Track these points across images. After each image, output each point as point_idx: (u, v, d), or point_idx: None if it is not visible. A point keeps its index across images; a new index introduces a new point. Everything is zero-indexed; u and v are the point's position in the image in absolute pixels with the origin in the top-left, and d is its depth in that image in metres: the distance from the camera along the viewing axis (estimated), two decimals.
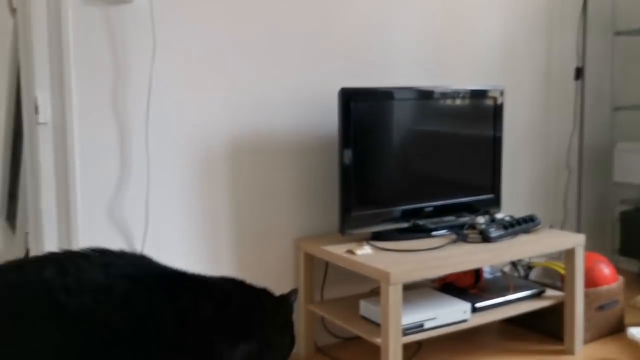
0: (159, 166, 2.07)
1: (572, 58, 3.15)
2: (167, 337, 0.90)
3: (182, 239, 2.12)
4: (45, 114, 1.88)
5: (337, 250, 2.12)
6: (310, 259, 2.31)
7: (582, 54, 3.07)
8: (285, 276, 2.34)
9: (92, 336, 0.87)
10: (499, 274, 2.55)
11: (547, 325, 2.46)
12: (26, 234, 2.24)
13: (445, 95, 2.35)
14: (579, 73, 3.11)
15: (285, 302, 1.11)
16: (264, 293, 1.08)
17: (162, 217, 2.08)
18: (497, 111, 2.49)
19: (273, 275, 2.31)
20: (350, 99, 2.13)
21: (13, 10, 3.03)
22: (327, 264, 2.39)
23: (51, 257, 0.94)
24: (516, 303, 2.28)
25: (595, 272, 2.45)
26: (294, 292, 1.28)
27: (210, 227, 2.18)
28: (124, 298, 0.91)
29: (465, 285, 2.34)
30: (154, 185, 2.06)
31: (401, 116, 2.27)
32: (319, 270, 2.39)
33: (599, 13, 3.23)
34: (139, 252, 0.97)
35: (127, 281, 0.94)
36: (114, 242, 2.00)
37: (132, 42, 1.99)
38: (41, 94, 1.88)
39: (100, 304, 0.90)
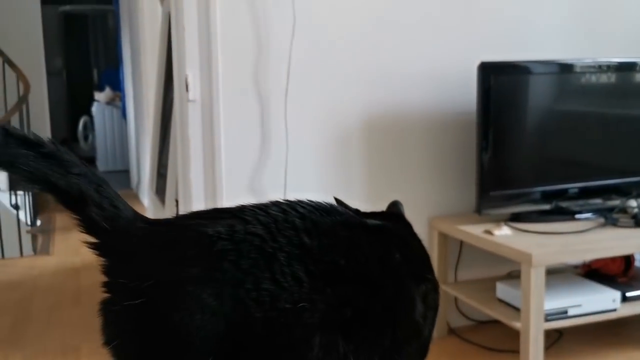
0: (297, 141, 2.12)
1: None
2: (375, 279, 1.02)
3: None
4: (195, 91, 1.99)
5: (474, 230, 2.06)
6: (444, 239, 2.26)
7: None
8: None
9: (333, 277, 0.97)
10: None
11: None
12: (176, 201, 2.41)
13: (593, 68, 2.19)
14: None
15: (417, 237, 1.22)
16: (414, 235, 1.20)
17: (299, 190, 2.14)
18: None
19: None
20: (490, 73, 2.05)
21: (162, 0, 3.25)
22: (461, 244, 2.34)
23: (271, 204, 1.03)
24: None
25: None
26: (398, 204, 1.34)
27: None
28: (345, 244, 1.01)
29: (613, 273, 2.18)
30: (292, 160, 2.12)
31: (544, 92, 2.14)
32: (453, 251, 2.34)
33: None
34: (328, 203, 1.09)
35: (344, 228, 1.03)
36: None
37: (273, 21, 2.05)
38: (191, 73, 1.99)
39: (333, 248, 0.99)
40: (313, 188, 2.15)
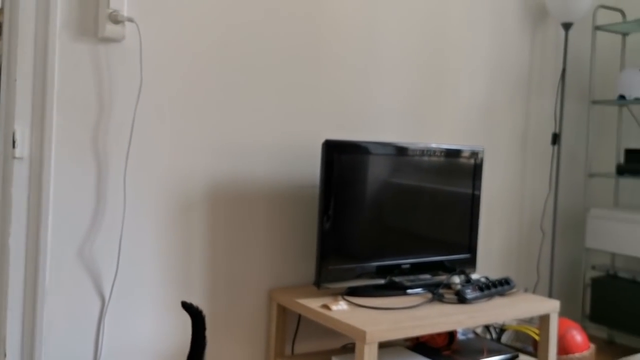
0: (135, 208, 2.02)
1: (549, 124, 3.23)
2: None
3: (152, 285, 2.06)
4: (23, 148, 1.83)
5: (312, 304, 2.08)
6: (283, 311, 2.25)
7: (560, 120, 3.14)
8: (256, 327, 2.28)
9: None
10: (471, 335, 2.53)
11: None
12: None
13: (426, 152, 2.37)
14: (556, 138, 3.18)
15: None
16: None
17: (133, 261, 2.02)
18: (476, 171, 2.51)
19: (244, 326, 2.25)
20: (333, 151, 2.13)
21: None
22: (299, 316, 2.34)
23: None
24: None
25: (568, 339, 2.45)
26: None
27: (182, 273, 2.12)
28: None
29: (438, 346, 2.31)
30: (128, 228, 2.01)
31: (382, 171, 2.27)
32: (292, 323, 2.33)
33: (576, 82, 3.34)
34: None
35: None
36: (82, 284, 1.92)
37: (118, 78, 1.97)
38: (20, 128, 1.83)
39: None
40: (149, 257, 2.05)
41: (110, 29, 1.91)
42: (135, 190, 2.01)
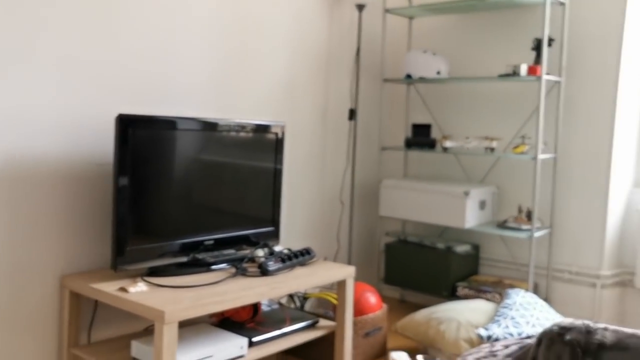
0: None
1: (347, 100, 3.40)
2: None
3: None
4: None
5: (108, 288, 1.97)
6: (76, 298, 2.11)
7: (355, 97, 3.32)
8: (46, 317, 2.10)
9: None
10: (276, 306, 2.60)
11: (321, 354, 2.56)
12: None
13: (227, 128, 2.36)
14: (352, 114, 3.37)
15: None
16: None
17: None
18: (278, 146, 2.56)
19: (33, 316, 2.06)
20: (128, 125, 2.02)
21: None
22: (96, 303, 2.21)
23: None
24: (292, 335, 2.34)
25: (363, 301, 2.63)
26: None
27: None
28: None
29: (243, 320, 2.33)
30: None
31: (182, 146, 2.21)
32: (88, 310, 2.19)
33: (370, 61, 3.55)
34: None
35: None
36: None
37: None
38: None
39: None
40: None
41: None
42: None
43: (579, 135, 3.05)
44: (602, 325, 1.24)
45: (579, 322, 1.26)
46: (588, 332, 1.21)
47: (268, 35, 2.88)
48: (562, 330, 1.23)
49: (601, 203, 2.99)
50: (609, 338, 1.19)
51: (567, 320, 1.28)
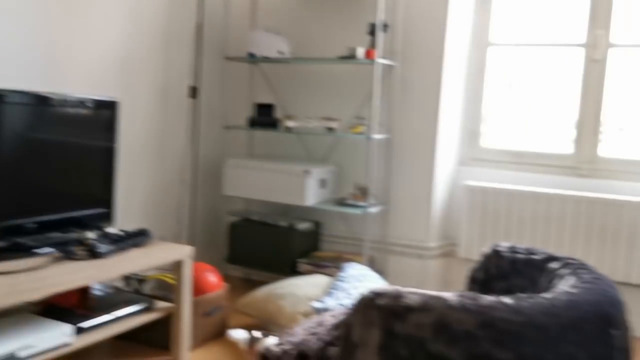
0: None
1: (188, 77, 3.31)
2: None
3: None
4: None
5: None
6: None
7: (197, 74, 3.25)
8: None
9: None
10: (111, 290, 2.49)
11: (157, 337, 2.50)
12: None
13: (55, 102, 2.19)
14: (194, 92, 3.29)
15: None
16: None
17: None
18: (111, 123, 2.44)
19: None
20: None
21: None
22: None
23: None
24: (126, 319, 2.25)
25: (202, 281, 2.60)
26: None
27: None
28: None
29: (71, 306, 2.21)
30: None
31: (2, 121, 2.02)
32: None
33: (214, 38, 3.48)
34: None
35: None
36: None
37: None
38: None
39: None
40: None
41: None
42: None
43: (411, 117, 3.25)
44: (411, 290, 1.34)
45: (391, 288, 1.35)
46: (398, 296, 1.29)
47: (97, 1, 2.71)
48: (375, 295, 1.31)
49: (428, 180, 3.22)
50: (415, 301, 1.28)
51: (380, 287, 1.35)
